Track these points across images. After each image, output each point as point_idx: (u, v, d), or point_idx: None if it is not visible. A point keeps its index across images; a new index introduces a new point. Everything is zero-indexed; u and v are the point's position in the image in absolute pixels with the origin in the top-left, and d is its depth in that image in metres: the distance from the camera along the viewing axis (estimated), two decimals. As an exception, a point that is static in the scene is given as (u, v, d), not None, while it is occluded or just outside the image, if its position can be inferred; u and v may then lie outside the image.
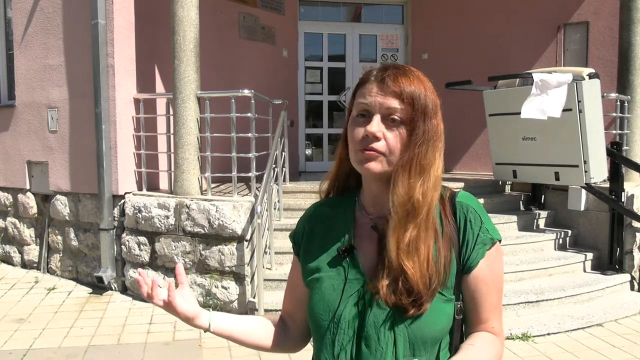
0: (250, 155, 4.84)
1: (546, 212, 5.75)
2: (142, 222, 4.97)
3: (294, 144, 7.54)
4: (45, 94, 5.80)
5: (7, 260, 6.44)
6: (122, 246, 5.14)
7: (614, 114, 5.65)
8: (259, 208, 4.30)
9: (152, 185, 5.44)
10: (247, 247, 4.60)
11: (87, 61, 5.23)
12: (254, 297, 4.50)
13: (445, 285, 1.09)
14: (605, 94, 5.42)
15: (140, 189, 5.33)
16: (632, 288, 5.16)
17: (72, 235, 5.66)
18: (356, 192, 1.22)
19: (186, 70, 4.86)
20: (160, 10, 5.51)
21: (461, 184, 5.80)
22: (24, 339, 4.20)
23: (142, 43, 5.39)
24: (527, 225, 5.54)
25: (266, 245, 4.71)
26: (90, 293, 5.29)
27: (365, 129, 1.08)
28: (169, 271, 4.89)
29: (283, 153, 5.52)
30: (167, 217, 4.84)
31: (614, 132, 5.67)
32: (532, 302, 4.51)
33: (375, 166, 1.08)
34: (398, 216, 1.07)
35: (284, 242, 4.90)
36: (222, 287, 4.62)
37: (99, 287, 5.31)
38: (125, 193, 5.24)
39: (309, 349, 1.28)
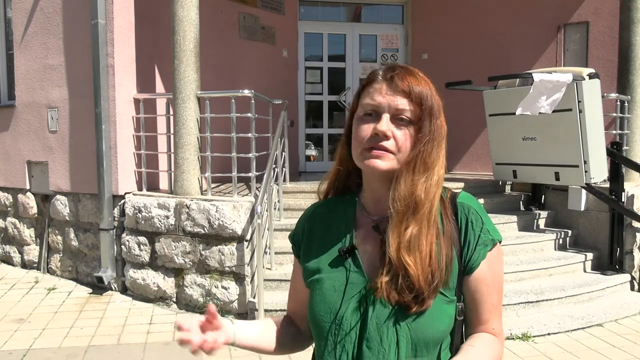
0: (250, 155, 4.84)
1: (546, 212, 5.75)
2: (142, 222, 4.97)
3: (294, 144, 7.54)
4: (45, 94, 5.80)
5: (7, 260, 6.44)
6: (122, 246, 5.14)
7: (614, 114, 5.65)
8: (259, 208, 4.29)
9: (152, 185, 5.44)
10: (247, 247, 4.60)
11: (87, 61, 5.23)
12: (254, 297, 4.50)
13: (447, 286, 1.09)
14: (605, 94, 5.42)
15: (140, 189, 5.33)
16: (632, 288, 5.16)
17: (72, 235, 5.66)
18: (356, 192, 1.21)
19: (186, 70, 4.86)
20: (160, 10, 5.51)
21: (461, 184, 5.80)
22: (24, 339, 4.20)
23: (142, 43, 5.39)
24: (527, 225, 5.54)
25: (266, 245, 4.70)
26: (90, 293, 5.29)
27: (374, 128, 1.08)
28: (169, 271, 4.89)
29: (283, 153, 5.52)
30: (167, 217, 4.84)
31: (614, 132, 5.67)
32: (532, 302, 4.51)
33: (383, 164, 1.08)
34: (398, 212, 1.07)
35: (284, 242, 4.90)
36: (222, 287, 4.62)
37: (99, 287, 5.30)
38: (125, 193, 5.24)
39: (309, 349, 1.28)
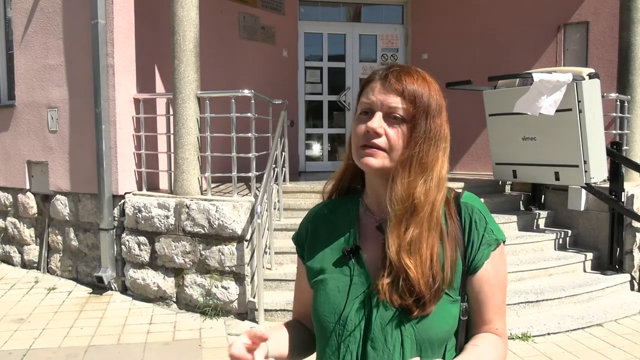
0: (250, 155, 4.84)
1: (546, 212, 5.75)
2: (142, 222, 4.97)
3: (294, 144, 7.54)
4: (45, 94, 5.80)
5: (7, 260, 6.43)
6: (122, 246, 5.14)
7: (614, 114, 5.65)
8: (259, 208, 4.30)
9: (152, 185, 5.44)
10: (247, 247, 4.60)
11: (87, 61, 5.23)
12: (254, 297, 4.50)
13: (451, 286, 1.09)
14: (605, 94, 5.42)
15: (140, 189, 5.33)
16: (632, 288, 5.16)
17: (72, 235, 5.66)
18: (360, 193, 1.21)
19: (186, 70, 4.86)
20: (160, 10, 5.51)
21: (461, 184, 5.80)
22: (24, 339, 4.20)
23: (142, 43, 5.39)
24: (527, 225, 5.54)
25: (266, 245, 4.71)
26: (90, 293, 5.29)
27: (366, 125, 1.08)
28: (169, 271, 4.89)
29: (283, 153, 5.52)
30: (167, 217, 4.84)
31: (614, 132, 5.67)
32: (532, 302, 4.52)
33: (375, 162, 1.08)
34: (396, 213, 1.07)
35: (284, 242, 4.90)
36: (222, 287, 4.62)
37: (99, 287, 5.30)
38: (125, 193, 5.24)
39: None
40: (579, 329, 4.33)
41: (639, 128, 5.69)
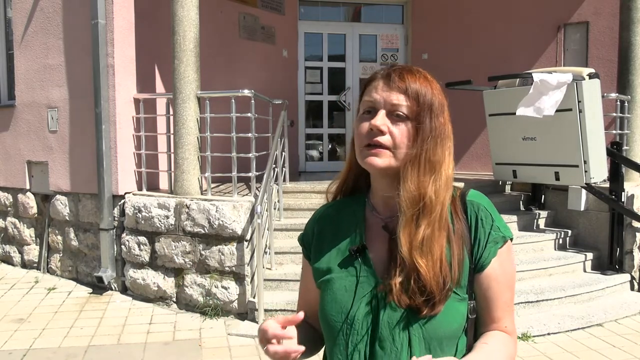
0: (250, 155, 4.84)
1: (546, 212, 5.75)
2: (142, 222, 4.97)
3: (294, 144, 7.54)
4: (45, 94, 5.80)
5: (7, 260, 6.43)
6: (122, 246, 5.14)
7: (614, 114, 5.65)
8: (259, 208, 4.30)
9: (152, 185, 5.44)
10: (247, 247, 4.60)
11: (87, 61, 5.23)
12: (254, 297, 4.50)
13: (459, 284, 1.08)
14: (605, 94, 5.42)
15: (140, 189, 5.33)
16: (632, 288, 5.16)
17: (72, 235, 5.66)
18: (365, 193, 1.21)
19: (186, 70, 4.86)
20: (160, 10, 5.51)
21: (461, 184, 5.71)
22: (24, 339, 4.20)
23: (142, 43, 5.39)
24: (527, 225, 5.54)
25: (266, 245, 4.71)
26: (90, 293, 5.29)
27: (370, 123, 1.08)
28: (169, 271, 4.89)
29: (283, 153, 5.52)
30: (167, 217, 4.84)
31: (614, 132, 5.67)
32: (532, 302, 4.52)
33: (380, 162, 1.08)
34: (409, 212, 1.07)
35: (284, 242, 4.90)
36: (222, 287, 4.62)
37: (99, 287, 5.30)
38: (125, 193, 5.24)
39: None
40: (579, 329, 4.33)
41: (639, 128, 5.69)
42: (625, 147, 5.54)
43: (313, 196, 5.48)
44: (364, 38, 8.21)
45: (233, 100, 4.84)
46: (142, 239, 5.00)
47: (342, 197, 1.25)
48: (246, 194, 5.03)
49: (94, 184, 5.27)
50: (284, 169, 5.52)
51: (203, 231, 4.69)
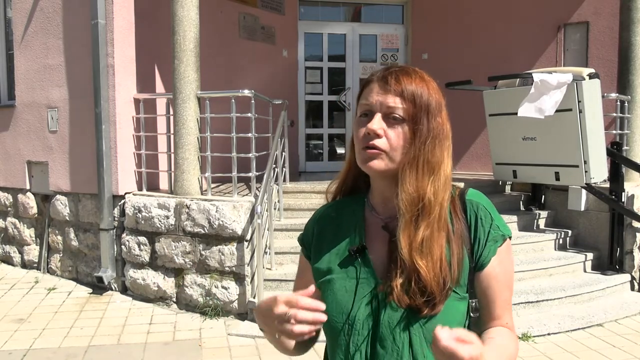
0: (250, 155, 4.84)
1: (546, 212, 5.75)
2: (142, 222, 4.97)
3: (294, 144, 7.54)
4: (45, 94, 5.80)
5: (7, 260, 6.44)
6: (122, 246, 5.14)
7: (614, 114, 5.65)
8: (259, 208, 4.30)
9: (152, 185, 5.44)
10: (247, 247, 4.60)
11: (87, 61, 5.23)
12: (254, 297, 4.50)
13: (458, 283, 1.09)
14: (605, 94, 5.42)
15: (140, 189, 5.33)
16: (632, 288, 5.16)
17: (72, 235, 5.66)
18: (365, 193, 1.22)
19: (186, 70, 4.86)
20: (160, 10, 5.51)
21: (461, 184, 5.73)
22: (24, 339, 4.20)
23: (142, 43, 5.39)
24: (527, 225, 5.54)
25: (266, 245, 4.71)
26: (90, 293, 5.29)
27: (366, 127, 1.08)
28: (169, 271, 4.89)
29: (283, 153, 5.52)
30: (167, 217, 4.84)
31: (614, 132, 5.67)
32: (532, 302, 4.52)
33: (378, 164, 1.08)
34: (408, 214, 1.07)
35: (284, 242, 4.90)
36: (222, 287, 4.62)
37: (99, 287, 5.30)
38: (125, 193, 5.24)
39: (311, 349, 1.28)
40: (579, 329, 4.33)
41: (639, 128, 5.69)
42: (625, 147, 5.54)
43: (313, 196, 5.48)
44: (364, 38, 8.21)
45: (233, 101, 4.84)
46: (142, 239, 4.99)
47: (341, 197, 1.25)
48: (246, 194, 5.03)
49: (94, 184, 5.27)
50: (284, 169, 5.52)
51: (203, 231, 4.69)
